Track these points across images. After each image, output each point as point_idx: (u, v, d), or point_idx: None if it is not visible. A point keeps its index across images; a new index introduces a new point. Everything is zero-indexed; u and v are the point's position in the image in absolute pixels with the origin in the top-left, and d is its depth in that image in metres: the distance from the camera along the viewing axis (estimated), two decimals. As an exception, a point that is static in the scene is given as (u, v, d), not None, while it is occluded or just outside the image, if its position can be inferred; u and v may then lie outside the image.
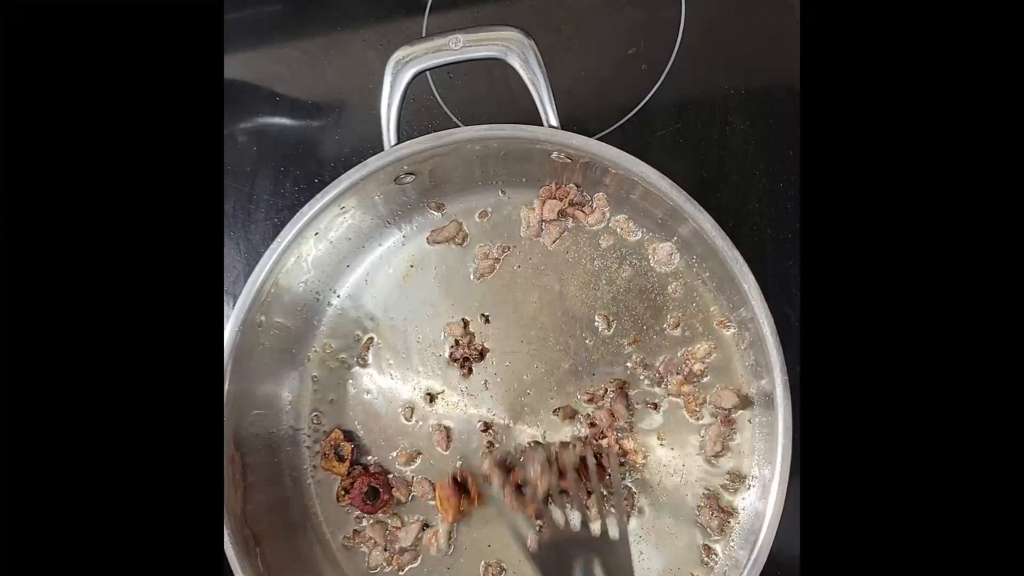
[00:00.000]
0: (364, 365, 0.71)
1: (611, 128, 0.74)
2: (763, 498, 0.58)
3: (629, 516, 0.66)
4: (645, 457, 0.66)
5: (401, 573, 0.69)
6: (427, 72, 0.61)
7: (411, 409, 0.70)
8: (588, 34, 0.76)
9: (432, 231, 0.71)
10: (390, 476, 0.70)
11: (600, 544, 0.60)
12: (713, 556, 0.64)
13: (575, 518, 0.62)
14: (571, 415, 0.68)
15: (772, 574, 0.56)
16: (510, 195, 0.71)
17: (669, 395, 0.67)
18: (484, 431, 0.69)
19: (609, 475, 0.65)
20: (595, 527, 0.62)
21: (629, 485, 0.66)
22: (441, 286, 0.71)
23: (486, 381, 0.69)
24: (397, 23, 0.80)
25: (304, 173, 0.79)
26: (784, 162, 0.71)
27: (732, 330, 0.65)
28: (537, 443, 0.67)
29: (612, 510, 0.64)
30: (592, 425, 0.67)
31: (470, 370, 0.69)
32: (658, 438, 0.67)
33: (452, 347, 0.70)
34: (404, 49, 0.60)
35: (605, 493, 0.65)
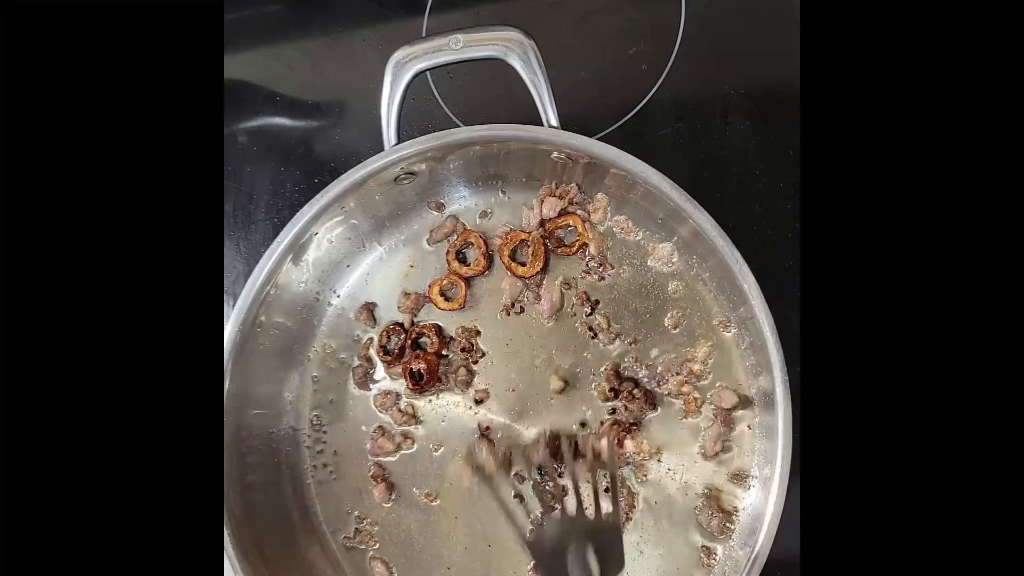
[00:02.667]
0: (364, 365, 0.71)
1: (611, 128, 0.74)
2: (763, 498, 0.59)
3: (628, 512, 0.66)
4: (651, 456, 0.66)
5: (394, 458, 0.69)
6: (427, 72, 0.61)
7: (411, 407, 0.70)
8: (588, 34, 0.76)
9: (432, 231, 0.71)
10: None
11: (593, 531, 0.62)
12: (713, 556, 0.64)
13: (571, 504, 0.63)
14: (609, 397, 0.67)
15: (772, 574, 0.56)
16: (510, 195, 0.71)
17: (669, 395, 0.67)
18: (484, 433, 0.69)
19: (604, 461, 0.65)
20: (589, 511, 0.63)
21: (630, 485, 0.66)
22: (441, 286, 0.71)
23: (486, 381, 0.70)
24: (397, 23, 0.80)
25: (304, 173, 0.79)
26: (784, 162, 0.71)
27: (732, 330, 0.65)
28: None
29: (607, 496, 0.65)
30: (612, 411, 0.67)
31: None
32: (658, 438, 0.67)
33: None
34: (404, 49, 0.60)
35: (601, 477, 0.65)
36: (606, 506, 0.63)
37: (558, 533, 0.63)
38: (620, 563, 0.61)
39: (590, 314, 0.68)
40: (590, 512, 0.63)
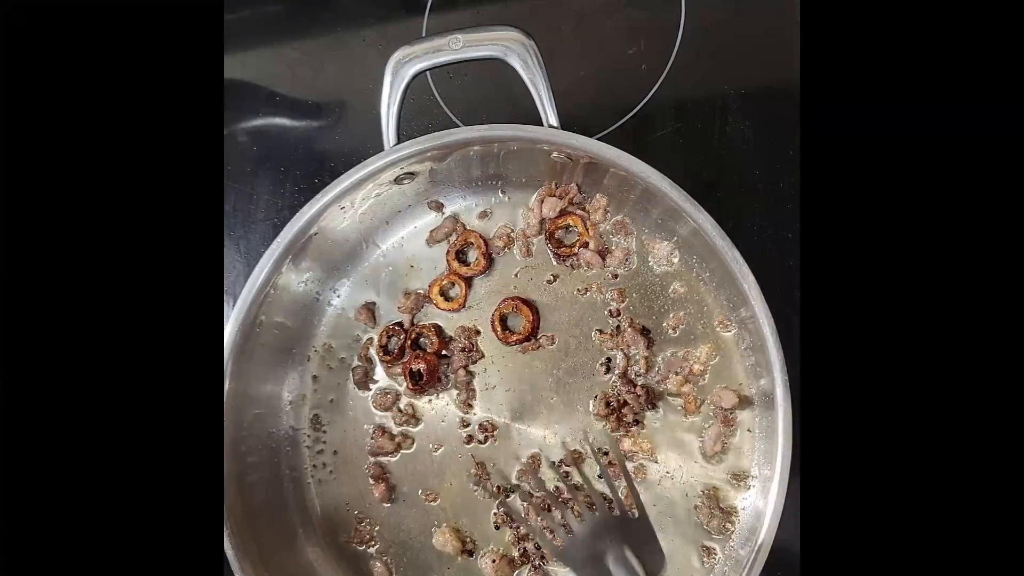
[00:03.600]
0: (364, 365, 0.71)
1: (611, 128, 0.74)
2: (763, 498, 0.59)
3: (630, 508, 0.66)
4: (653, 455, 0.66)
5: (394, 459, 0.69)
6: (427, 72, 0.61)
7: (411, 407, 0.70)
8: (588, 34, 0.76)
9: (432, 231, 0.71)
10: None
11: (623, 528, 0.63)
12: (713, 556, 0.64)
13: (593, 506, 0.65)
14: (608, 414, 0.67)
15: (772, 574, 0.56)
16: (510, 195, 0.71)
17: (669, 395, 0.67)
18: (467, 443, 0.69)
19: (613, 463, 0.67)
20: (612, 510, 0.65)
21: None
22: (441, 286, 0.71)
23: (486, 382, 0.70)
24: (397, 23, 0.80)
25: (304, 173, 0.79)
26: (784, 162, 0.71)
27: (732, 330, 0.65)
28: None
29: (624, 494, 0.66)
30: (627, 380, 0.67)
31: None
32: (658, 438, 0.67)
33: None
34: (404, 49, 0.60)
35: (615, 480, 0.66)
36: (626, 502, 0.65)
37: (589, 538, 0.64)
38: (661, 558, 0.63)
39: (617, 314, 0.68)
40: (613, 511, 0.65)
